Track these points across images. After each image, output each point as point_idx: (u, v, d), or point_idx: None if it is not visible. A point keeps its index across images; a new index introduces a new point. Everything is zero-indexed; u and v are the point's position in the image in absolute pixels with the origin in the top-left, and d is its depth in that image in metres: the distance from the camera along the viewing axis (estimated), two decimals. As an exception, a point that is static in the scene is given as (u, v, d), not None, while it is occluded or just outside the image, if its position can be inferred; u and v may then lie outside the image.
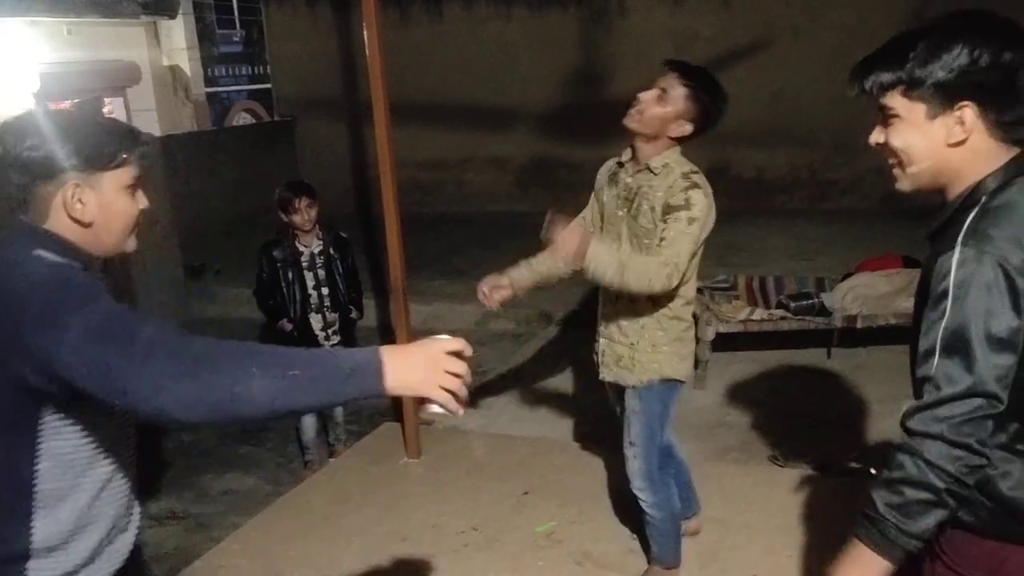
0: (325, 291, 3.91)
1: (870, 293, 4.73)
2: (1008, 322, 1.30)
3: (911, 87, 1.38)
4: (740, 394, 4.49)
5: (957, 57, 1.34)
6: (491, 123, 9.49)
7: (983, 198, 1.39)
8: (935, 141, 1.40)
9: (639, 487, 2.72)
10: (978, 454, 1.32)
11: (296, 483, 3.91)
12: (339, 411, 4.16)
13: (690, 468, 3.07)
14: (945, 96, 1.36)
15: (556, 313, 5.88)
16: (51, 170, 1.40)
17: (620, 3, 9.04)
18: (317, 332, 3.93)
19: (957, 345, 1.32)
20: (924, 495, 1.34)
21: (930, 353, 1.35)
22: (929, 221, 1.50)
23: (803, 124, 8.57)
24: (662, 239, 2.41)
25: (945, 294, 1.34)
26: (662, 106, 2.44)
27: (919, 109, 1.39)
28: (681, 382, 2.70)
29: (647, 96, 2.46)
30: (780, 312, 4.73)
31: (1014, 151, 1.41)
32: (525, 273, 2.88)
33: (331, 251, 3.92)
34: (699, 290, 5.09)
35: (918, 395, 1.38)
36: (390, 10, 9.21)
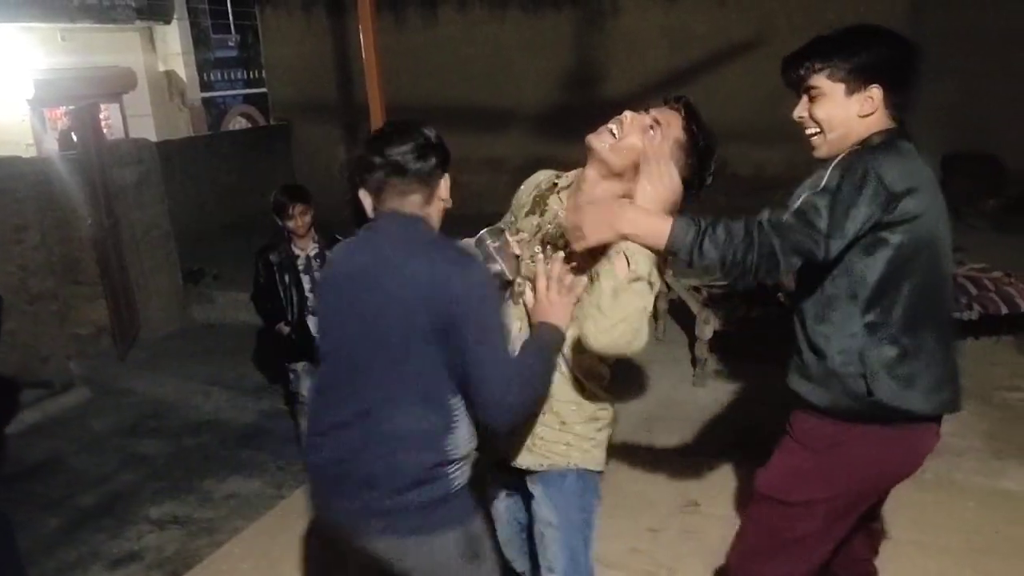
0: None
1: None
2: (860, 206, 1.70)
3: (836, 70, 1.80)
4: (738, 391, 4.50)
5: (874, 51, 1.79)
6: (486, 125, 9.50)
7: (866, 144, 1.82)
8: (850, 113, 1.82)
9: None
10: (783, 253, 1.71)
11: (299, 486, 3.91)
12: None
13: None
14: (861, 78, 1.79)
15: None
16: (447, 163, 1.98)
17: (613, 3, 9.05)
18: (315, 335, 3.92)
19: (814, 195, 1.74)
20: (737, 259, 1.71)
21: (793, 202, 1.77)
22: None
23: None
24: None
25: (820, 180, 1.76)
26: (647, 139, 1.84)
27: (840, 88, 1.82)
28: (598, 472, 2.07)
29: (632, 117, 1.87)
30: (778, 310, 4.74)
31: (893, 125, 1.85)
32: None
33: (327, 254, 3.90)
34: (696, 288, 5.10)
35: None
36: (385, 13, 9.21)
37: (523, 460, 2.00)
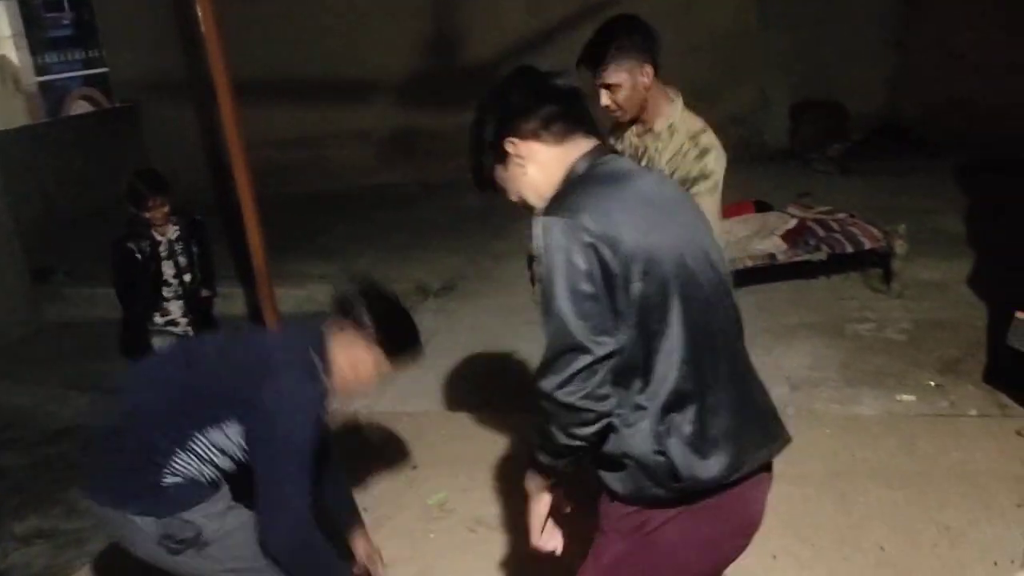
0: (187, 277, 3.79)
1: (728, 239, 4.94)
2: (585, 279, 1.46)
3: (488, 159, 1.66)
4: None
5: (487, 123, 1.65)
6: (348, 96, 9.26)
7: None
8: (519, 178, 1.65)
9: None
10: (582, 410, 1.48)
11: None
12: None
13: None
14: (496, 151, 1.63)
15: (431, 284, 5.85)
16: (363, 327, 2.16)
17: (469, -34, 8.95)
18: (179, 319, 3.81)
19: (547, 306, 1.49)
20: (553, 446, 1.56)
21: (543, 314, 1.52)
22: None
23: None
24: None
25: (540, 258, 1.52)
26: (619, 91, 2.44)
27: (499, 169, 1.67)
28: None
29: (606, 101, 2.47)
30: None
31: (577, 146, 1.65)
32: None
33: (187, 235, 3.78)
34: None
35: None
36: (231, -17, 8.79)
37: None
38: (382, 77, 9.21)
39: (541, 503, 1.74)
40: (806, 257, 4.79)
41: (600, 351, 1.46)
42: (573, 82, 1.67)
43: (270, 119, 8.37)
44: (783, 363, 4.17)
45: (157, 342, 3.79)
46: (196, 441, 2.07)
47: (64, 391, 4.98)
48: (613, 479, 1.61)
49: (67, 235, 7.81)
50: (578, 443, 1.53)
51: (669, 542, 1.61)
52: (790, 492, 3.07)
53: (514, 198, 1.69)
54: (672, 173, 2.43)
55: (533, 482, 1.73)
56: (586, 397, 1.46)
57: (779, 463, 3.24)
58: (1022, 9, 7.08)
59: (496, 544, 3.01)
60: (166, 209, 3.65)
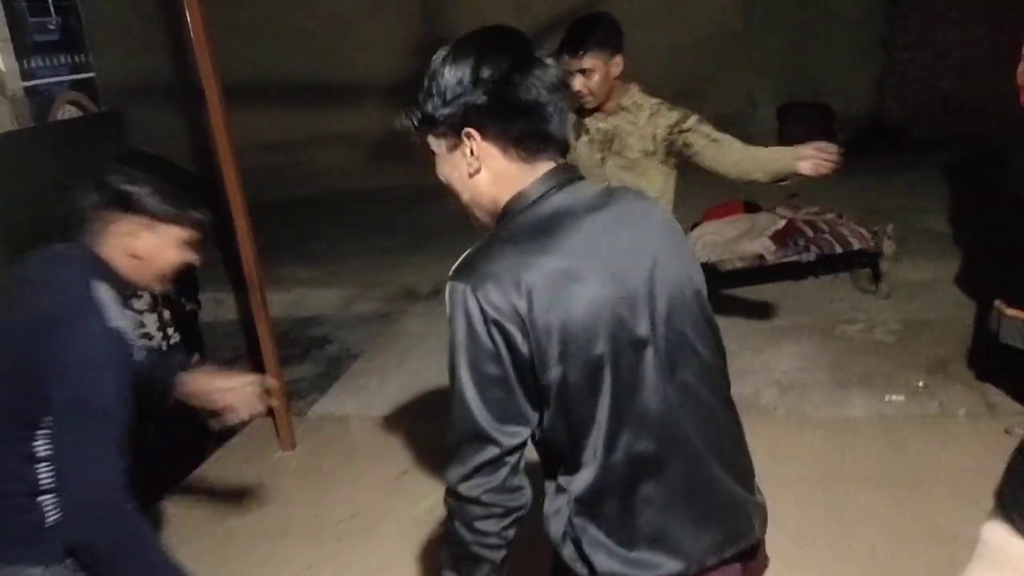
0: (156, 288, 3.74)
1: (717, 240, 4.96)
2: (490, 360, 1.26)
3: (424, 123, 1.38)
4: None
5: (449, 87, 1.34)
6: (337, 99, 9.25)
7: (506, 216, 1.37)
8: (462, 173, 1.38)
9: None
10: (489, 504, 1.30)
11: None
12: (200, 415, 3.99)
13: None
14: (449, 128, 1.35)
15: (421, 288, 5.85)
16: (129, 206, 1.77)
17: (457, -32, 8.96)
18: (153, 333, 3.77)
19: (451, 383, 1.30)
20: (463, 551, 1.35)
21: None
22: None
23: (643, 79, 8.81)
24: (713, 138, 2.77)
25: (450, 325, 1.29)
26: (592, 77, 2.75)
27: (441, 144, 1.39)
28: None
29: (579, 86, 2.73)
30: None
31: (544, 165, 1.36)
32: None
33: None
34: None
35: None
36: (217, -13, 8.76)
37: None
38: (370, 80, 9.20)
39: None
40: (795, 258, 4.81)
41: (509, 441, 1.27)
42: (563, 74, 1.38)
43: (258, 123, 8.35)
44: (773, 365, 4.19)
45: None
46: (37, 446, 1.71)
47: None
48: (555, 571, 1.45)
49: (56, 241, 7.76)
50: (488, 541, 1.32)
51: None
52: (780, 495, 3.06)
53: (442, 179, 1.42)
54: (654, 133, 2.79)
55: None
56: (493, 491, 1.29)
57: (773, 464, 3.26)
58: (1005, 7, 7.13)
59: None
60: None
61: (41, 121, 11.42)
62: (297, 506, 3.42)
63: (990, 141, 6.95)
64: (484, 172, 1.35)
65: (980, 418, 3.54)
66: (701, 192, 7.07)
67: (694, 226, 5.26)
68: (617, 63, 2.80)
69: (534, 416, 1.30)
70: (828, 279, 5.18)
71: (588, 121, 2.89)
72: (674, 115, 2.80)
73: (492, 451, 1.27)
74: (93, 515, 1.61)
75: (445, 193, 1.45)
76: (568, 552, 1.34)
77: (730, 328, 4.65)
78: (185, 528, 3.35)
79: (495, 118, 1.32)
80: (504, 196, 1.36)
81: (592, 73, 2.75)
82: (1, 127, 10.48)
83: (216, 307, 5.56)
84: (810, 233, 4.93)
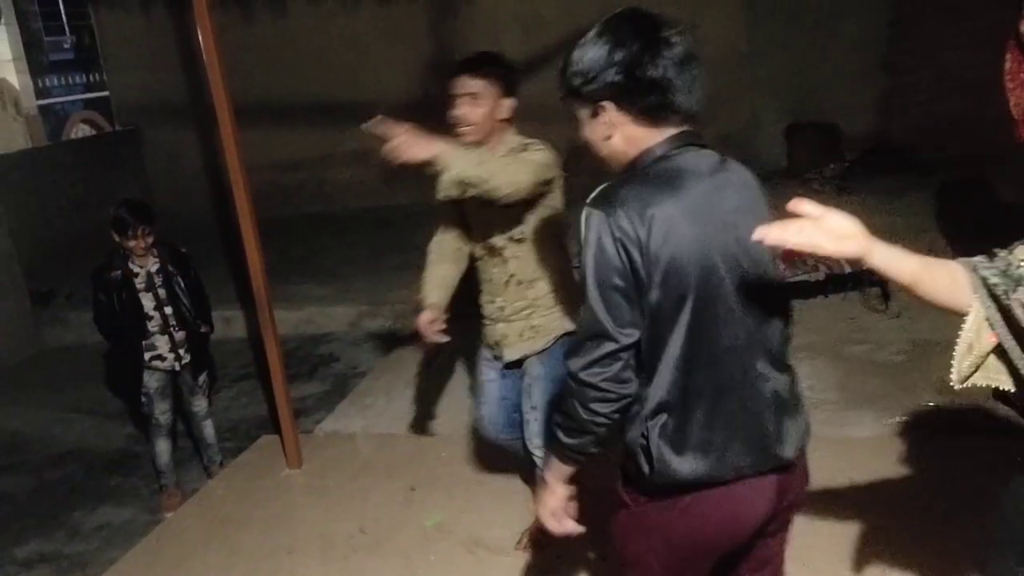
0: (169, 310, 3.72)
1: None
2: (615, 273, 1.55)
3: (569, 94, 1.70)
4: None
5: (590, 67, 1.64)
6: (348, 118, 9.27)
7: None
8: (599, 137, 1.68)
9: (539, 445, 2.80)
10: (604, 390, 1.59)
11: (163, 511, 3.79)
12: (210, 432, 4.02)
13: None
14: (589, 100, 1.65)
15: (430, 305, 5.87)
16: None
17: (467, -10, 9.06)
18: (165, 354, 3.77)
19: (582, 293, 1.60)
20: (575, 425, 1.64)
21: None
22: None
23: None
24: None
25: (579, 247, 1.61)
26: (480, 106, 2.55)
27: (584, 111, 1.69)
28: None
29: (464, 110, 2.56)
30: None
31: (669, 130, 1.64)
32: (440, 292, 2.89)
33: (169, 268, 3.74)
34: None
35: None
36: (231, 8, 8.87)
37: (524, 349, 2.73)
38: (381, 99, 9.27)
39: (556, 493, 1.79)
40: (804, 277, 4.82)
41: (624, 341, 1.56)
42: (690, 48, 1.63)
43: (270, 141, 8.43)
44: (780, 384, 4.18)
45: (145, 378, 3.78)
46: None
47: (65, 414, 5.00)
48: (623, 460, 1.74)
49: (68, 259, 7.84)
50: (598, 420, 1.61)
51: (654, 521, 1.73)
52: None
53: (584, 138, 1.71)
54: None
55: (550, 472, 1.78)
56: (608, 380, 1.58)
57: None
58: (1006, 27, 7.15)
59: (494, 565, 3.02)
60: (150, 239, 3.64)
61: (55, 139, 11.56)
62: (304, 523, 3.44)
63: (993, 160, 6.96)
64: (617, 136, 1.64)
65: (988, 439, 3.52)
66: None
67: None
68: (507, 105, 2.61)
69: (643, 324, 1.58)
70: (837, 299, 5.18)
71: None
72: (526, 145, 2.60)
73: (610, 346, 1.56)
74: None
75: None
76: (637, 451, 1.65)
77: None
78: (192, 544, 3.37)
79: (626, 93, 1.59)
80: (633, 153, 1.65)
81: (479, 101, 2.55)
82: (16, 145, 10.65)
83: (225, 325, 5.59)
84: (818, 253, 4.94)
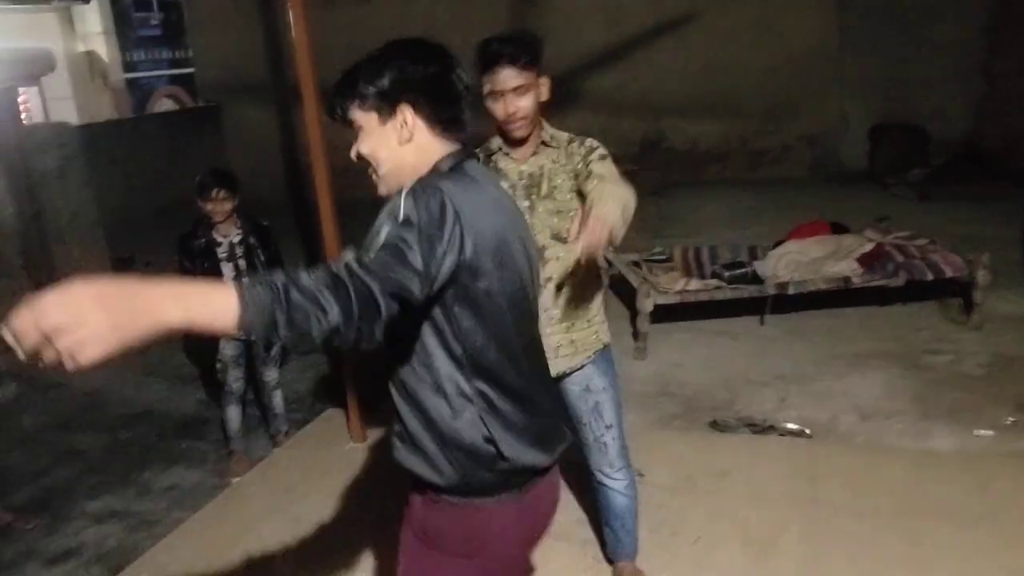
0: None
1: (801, 259, 4.86)
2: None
3: (364, 99, 1.60)
4: (679, 363, 4.58)
5: (394, 68, 1.58)
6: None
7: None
8: (390, 142, 1.61)
9: (621, 467, 2.61)
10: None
11: (230, 476, 3.87)
12: (278, 402, 4.10)
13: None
14: (387, 101, 1.58)
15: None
16: None
17: (548, -22, 9.02)
18: None
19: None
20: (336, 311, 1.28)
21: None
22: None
23: (733, 95, 8.70)
24: (601, 176, 2.23)
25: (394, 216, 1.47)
26: (529, 96, 2.27)
27: (372, 117, 1.61)
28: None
29: (518, 104, 2.26)
30: (715, 282, 4.83)
31: (455, 147, 1.63)
32: None
33: (251, 240, 3.82)
34: (635, 263, 5.16)
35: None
36: (315, -10, 9.00)
37: (562, 366, 2.48)
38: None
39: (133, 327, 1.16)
40: (883, 283, 4.67)
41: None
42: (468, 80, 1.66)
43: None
44: (853, 391, 4.07)
45: (221, 345, 3.87)
46: None
47: (141, 377, 5.15)
48: (434, 471, 1.62)
49: (148, 227, 8.10)
50: (360, 322, 1.30)
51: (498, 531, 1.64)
52: (857, 526, 3.00)
53: (364, 150, 1.63)
54: (575, 169, 2.35)
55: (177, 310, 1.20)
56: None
57: (848, 495, 3.18)
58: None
59: (555, 553, 3.00)
60: (228, 206, 3.71)
61: (140, 112, 11.93)
62: (365, 496, 3.47)
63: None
64: (417, 143, 1.60)
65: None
66: (783, 211, 6.98)
67: (777, 244, 5.16)
68: (546, 85, 2.33)
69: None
70: (915, 306, 5.02)
71: (504, 165, 2.40)
72: (584, 144, 2.39)
73: (410, 278, 1.39)
74: None
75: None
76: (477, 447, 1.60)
77: (809, 352, 4.55)
78: (256, 510, 3.44)
79: (439, 100, 1.60)
80: (427, 167, 1.60)
81: (526, 92, 2.26)
82: (102, 115, 11.00)
83: (296, 299, 5.70)
84: (900, 258, 4.79)
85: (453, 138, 1.64)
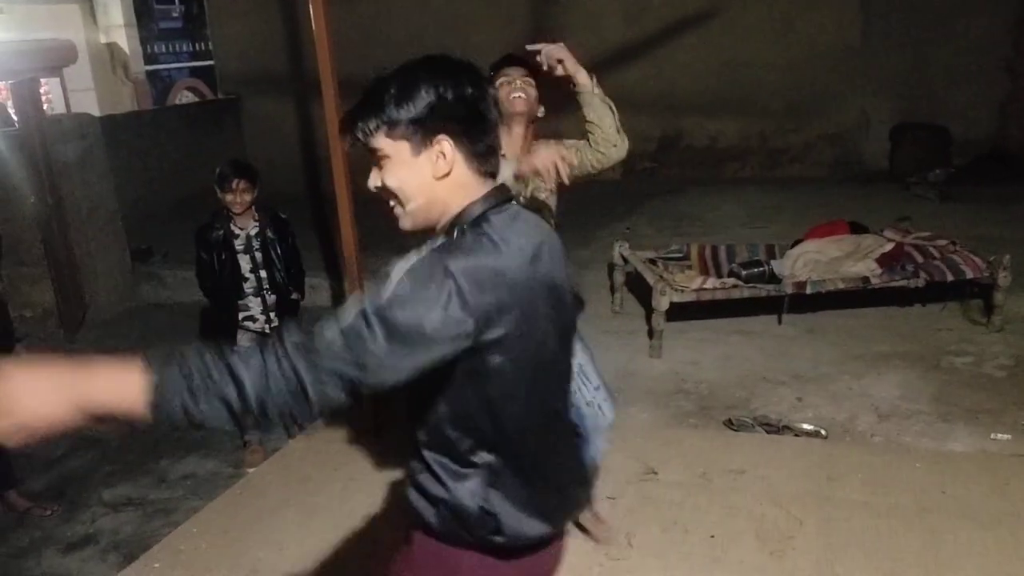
0: (263, 274, 3.84)
1: (819, 259, 4.82)
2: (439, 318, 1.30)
3: (392, 127, 1.41)
4: (695, 361, 4.55)
5: (426, 95, 1.40)
6: (442, 98, 9.39)
7: (464, 225, 1.44)
8: (424, 176, 1.43)
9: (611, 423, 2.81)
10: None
11: (245, 466, 3.89)
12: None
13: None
14: (423, 131, 1.40)
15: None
16: None
17: (569, -26, 8.99)
18: (257, 316, 3.90)
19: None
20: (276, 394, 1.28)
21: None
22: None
23: (754, 92, 8.64)
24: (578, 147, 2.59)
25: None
26: (531, 90, 2.71)
27: (404, 147, 1.42)
28: None
29: (525, 89, 2.70)
30: (732, 280, 4.80)
31: (490, 184, 1.48)
32: None
33: (268, 232, 3.84)
34: (652, 261, 5.14)
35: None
36: (335, -17, 9.01)
37: None
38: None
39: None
40: (902, 283, 4.62)
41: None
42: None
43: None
44: (872, 391, 4.04)
45: (238, 336, 3.89)
46: None
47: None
48: (431, 515, 1.53)
49: (167, 219, 8.15)
50: (280, 410, 1.29)
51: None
52: (875, 524, 2.97)
53: (391, 183, 1.46)
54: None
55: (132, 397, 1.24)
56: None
57: (867, 493, 3.15)
58: None
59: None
60: (248, 197, 3.73)
61: (160, 104, 12.01)
62: (381, 488, 3.47)
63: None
64: (450, 179, 1.44)
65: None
66: (802, 210, 6.92)
67: (795, 243, 5.13)
68: (540, 109, 2.74)
69: None
70: (935, 307, 4.97)
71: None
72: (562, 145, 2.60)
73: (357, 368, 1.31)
74: None
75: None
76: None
77: (827, 352, 4.52)
78: (272, 500, 3.45)
79: (475, 128, 1.44)
80: (454, 202, 1.46)
81: (531, 87, 2.71)
82: (123, 107, 11.08)
83: (311, 292, 5.70)
84: (919, 258, 4.74)
85: (487, 172, 1.47)
